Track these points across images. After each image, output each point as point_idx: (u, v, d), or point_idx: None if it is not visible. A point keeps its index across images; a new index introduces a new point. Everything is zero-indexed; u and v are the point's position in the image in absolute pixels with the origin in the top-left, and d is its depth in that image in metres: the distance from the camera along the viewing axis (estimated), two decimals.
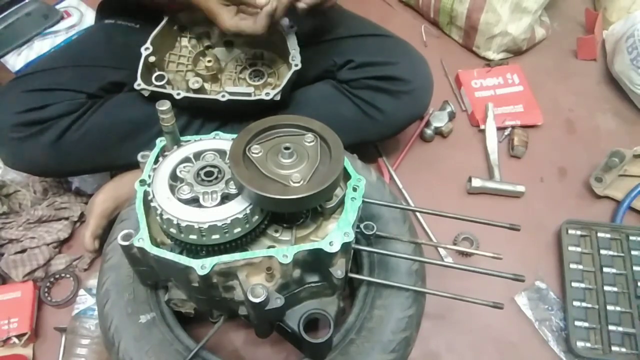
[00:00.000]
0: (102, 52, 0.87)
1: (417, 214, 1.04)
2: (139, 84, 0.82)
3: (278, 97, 0.82)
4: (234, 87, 0.89)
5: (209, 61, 0.91)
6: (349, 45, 0.87)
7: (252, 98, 0.82)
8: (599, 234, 0.98)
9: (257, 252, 0.59)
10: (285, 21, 0.87)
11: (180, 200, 0.60)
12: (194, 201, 0.60)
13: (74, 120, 0.83)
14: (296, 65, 0.84)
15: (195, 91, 0.85)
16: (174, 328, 0.70)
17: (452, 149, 1.16)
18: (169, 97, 0.81)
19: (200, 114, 0.89)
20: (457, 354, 0.89)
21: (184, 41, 0.93)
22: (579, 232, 0.98)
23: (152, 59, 0.84)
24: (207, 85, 0.92)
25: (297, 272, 0.61)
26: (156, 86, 0.83)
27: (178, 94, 0.81)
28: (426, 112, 1.08)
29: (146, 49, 0.84)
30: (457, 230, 1.02)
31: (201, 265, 0.56)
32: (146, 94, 0.83)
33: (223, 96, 0.82)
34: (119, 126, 0.86)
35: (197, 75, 0.92)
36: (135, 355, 0.67)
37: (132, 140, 0.86)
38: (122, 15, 0.96)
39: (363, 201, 0.63)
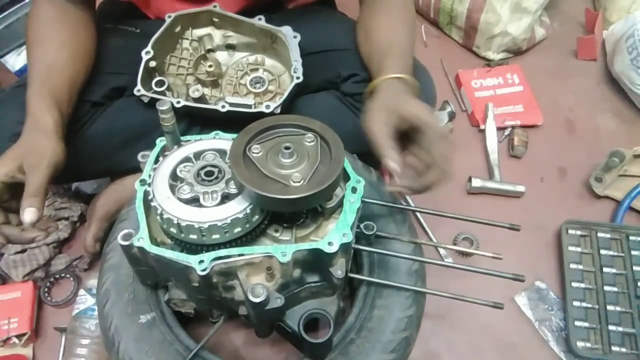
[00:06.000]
0: (103, 57, 0.86)
1: (417, 214, 1.04)
2: (138, 90, 0.81)
3: (278, 110, 0.81)
4: (235, 97, 0.88)
5: (210, 66, 0.90)
6: (355, 58, 0.86)
7: (253, 110, 0.81)
8: (599, 234, 0.98)
9: (255, 249, 0.59)
10: (289, 30, 0.86)
11: (180, 199, 0.60)
12: (194, 201, 0.60)
13: (76, 130, 0.82)
14: (298, 77, 0.83)
15: (196, 100, 0.84)
16: (174, 328, 0.70)
17: None
18: None
19: (199, 122, 0.88)
20: (457, 354, 0.89)
21: (185, 43, 0.92)
22: (579, 232, 0.99)
23: (152, 63, 0.83)
24: (207, 91, 0.91)
25: (297, 272, 0.61)
26: (156, 92, 0.82)
27: (178, 102, 0.80)
28: None
29: (147, 52, 0.83)
30: (457, 230, 1.02)
31: (199, 260, 0.56)
32: (146, 100, 0.83)
33: (223, 106, 0.81)
34: (120, 133, 0.85)
35: (198, 79, 0.91)
36: (135, 355, 0.67)
37: (133, 146, 0.85)
38: (122, 19, 0.95)
39: (363, 201, 0.63)
